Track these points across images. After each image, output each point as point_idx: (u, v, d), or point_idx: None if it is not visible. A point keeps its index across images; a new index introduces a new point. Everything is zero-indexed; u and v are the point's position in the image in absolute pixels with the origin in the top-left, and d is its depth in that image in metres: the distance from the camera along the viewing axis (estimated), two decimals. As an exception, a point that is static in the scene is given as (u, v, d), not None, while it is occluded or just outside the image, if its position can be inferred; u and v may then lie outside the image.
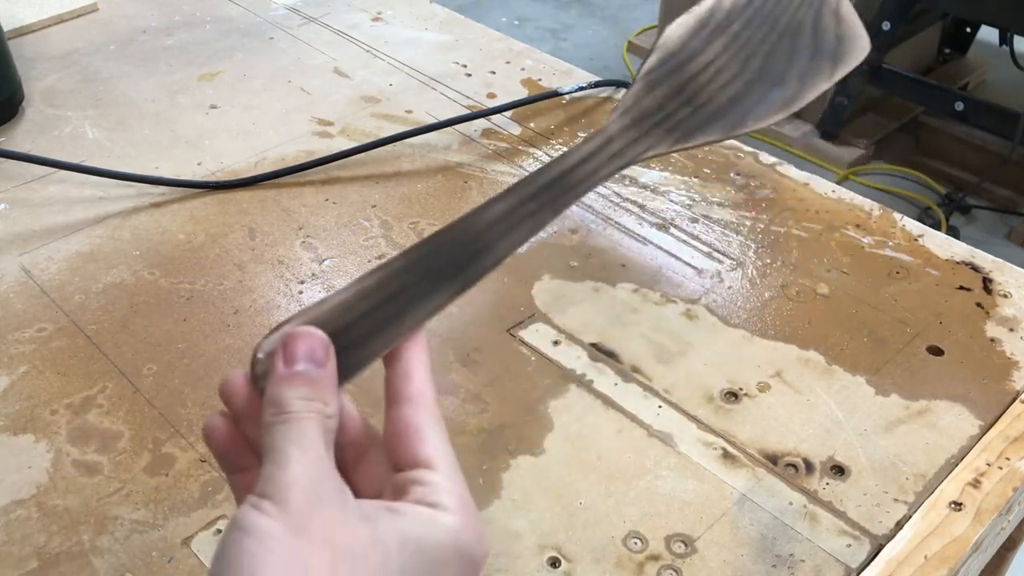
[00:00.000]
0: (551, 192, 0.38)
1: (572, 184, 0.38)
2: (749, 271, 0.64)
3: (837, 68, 0.43)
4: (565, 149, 0.75)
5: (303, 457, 0.29)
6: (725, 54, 0.42)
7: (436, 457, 0.31)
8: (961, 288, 0.63)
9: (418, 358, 0.33)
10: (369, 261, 0.64)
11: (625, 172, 0.73)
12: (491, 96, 0.82)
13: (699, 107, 0.40)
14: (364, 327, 0.33)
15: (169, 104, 0.81)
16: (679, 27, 0.42)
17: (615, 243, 0.66)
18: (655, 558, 0.47)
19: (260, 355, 0.32)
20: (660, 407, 0.54)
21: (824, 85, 0.42)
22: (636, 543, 0.47)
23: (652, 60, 0.41)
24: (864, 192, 1.60)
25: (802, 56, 0.42)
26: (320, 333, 0.31)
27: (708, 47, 0.42)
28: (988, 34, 2.34)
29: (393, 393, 0.32)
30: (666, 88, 0.41)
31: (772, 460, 0.51)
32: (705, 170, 0.74)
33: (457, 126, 0.77)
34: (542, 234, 0.67)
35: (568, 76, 0.85)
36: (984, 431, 0.53)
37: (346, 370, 0.32)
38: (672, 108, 0.40)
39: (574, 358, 0.57)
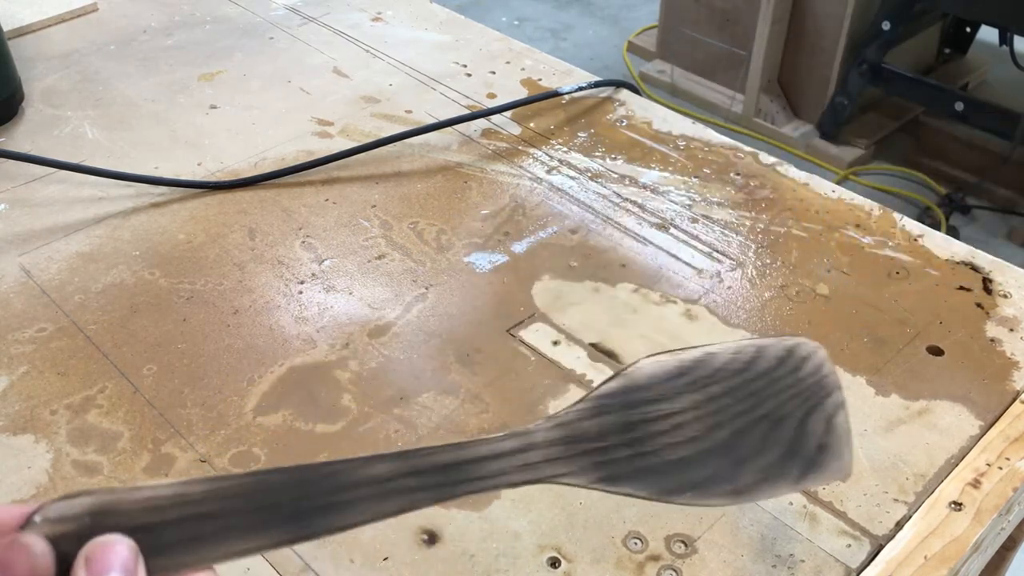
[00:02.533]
0: (443, 476, 0.33)
1: (469, 478, 0.34)
2: (749, 271, 0.64)
3: (805, 478, 0.39)
4: (564, 149, 0.75)
5: None
6: (692, 412, 0.37)
7: None
8: (961, 288, 0.63)
9: None
10: (369, 261, 0.64)
11: (625, 172, 0.73)
12: (491, 96, 0.82)
13: (640, 455, 0.36)
14: (163, 537, 0.29)
15: (169, 104, 0.81)
16: (655, 364, 0.38)
17: (615, 243, 0.66)
18: (655, 558, 0.47)
19: (37, 519, 0.28)
20: (660, 407, 0.54)
21: (784, 490, 0.39)
22: (636, 543, 0.47)
23: (612, 385, 0.37)
24: (864, 192, 1.61)
25: (774, 449, 0.38)
26: (129, 542, 0.28)
27: (678, 397, 0.37)
28: (988, 34, 2.34)
29: None
30: (614, 420, 0.36)
31: (772, 460, 0.51)
32: (705, 170, 0.74)
33: (457, 126, 0.77)
34: (541, 234, 0.67)
35: (568, 76, 0.85)
36: (984, 431, 0.53)
37: None
38: (611, 443, 0.36)
39: (574, 358, 0.57)
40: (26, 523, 0.28)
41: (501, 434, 0.35)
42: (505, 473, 0.34)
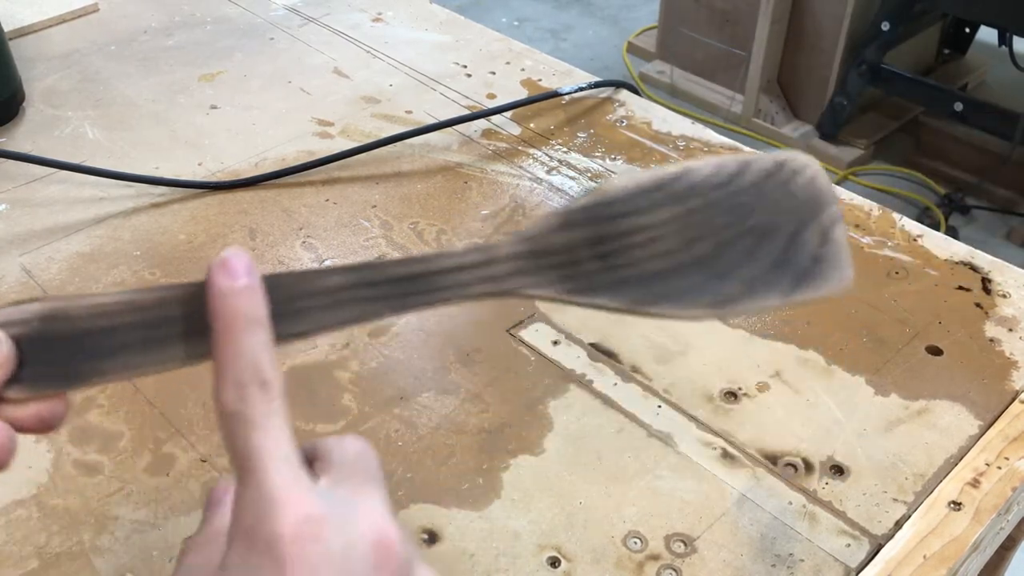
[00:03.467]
0: (400, 287, 0.33)
1: (428, 289, 0.33)
2: (749, 271, 0.64)
3: (798, 289, 0.37)
4: (564, 149, 0.75)
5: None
6: (671, 225, 0.35)
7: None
8: (960, 288, 0.63)
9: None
10: (369, 261, 0.64)
11: (625, 172, 0.73)
12: (491, 96, 0.82)
13: (612, 267, 0.35)
14: (112, 340, 0.30)
15: (169, 104, 0.81)
16: (630, 179, 0.36)
17: (615, 243, 0.66)
18: (655, 558, 0.47)
19: None
20: (660, 407, 0.54)
21: (772, 301, 0.36)
22: (636, 543, 0.47)
23: (583, 200, 0.35)
24: (863, 192, 1.61)
25: (761, 260, 0.36)
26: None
27: (655, 211, 0.35)
28: (987, 34, 2.34)
29: None
30: (584, 232, 0.35)
31: (772, 460, 0.52)
32: (705, 170, 0.74)
33: (457, 126, 0.77)
34: (542, 234, 0.67)
35: (568, 76, 0.85)
36: (983, 431, 0.53)
37: (68, 377, 0.30)
38: (581, 256, 0.35)
39: (574, 358, 0.57)
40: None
41: (463, 248, 0.34)
42: (465, 285, 0.33)
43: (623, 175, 0.35)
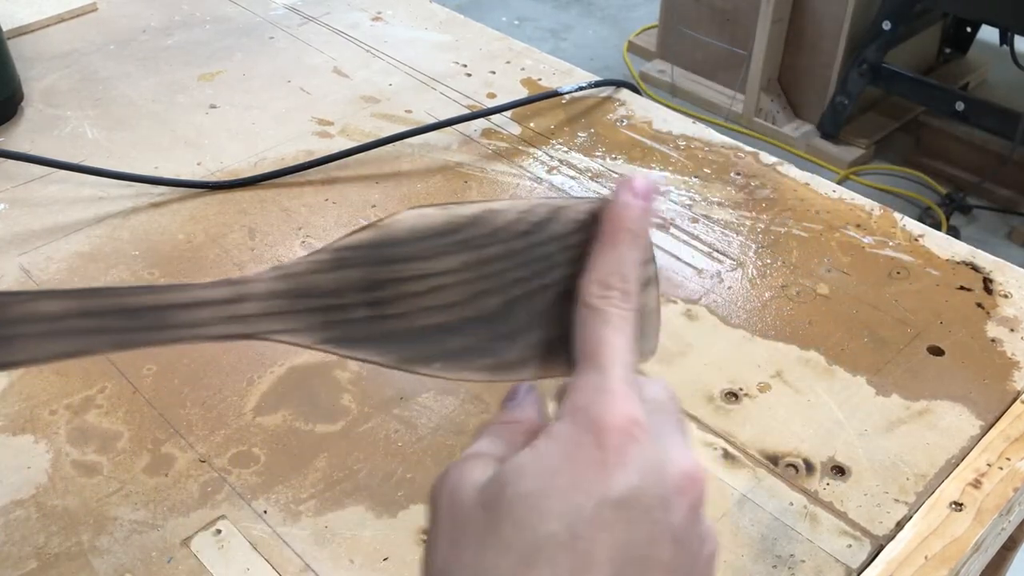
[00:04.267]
0: (127, 320, 0.29)
1: (159, 325, 0.29)
2: (749, 271, 0.64)
3: None
4: (564, 149, 0.75)
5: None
6: (458, 274, 0.32)
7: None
8: (962, 288, 0.63)
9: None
10: (369, 261, 0.64)
11: (625, 172, 0.73)
12: (491, 96, 0.82)
13: (383, 318, 0.31)
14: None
15: (169, 104, 0.81)
16: (419, 217, 0.31)
17: (615, 243, 0.66)
18: (655, 559, 0.47)
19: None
20: (660, 407, 0.54)
21: (557, 373, 0.33)
22: (636, 543, 0.47)
23: (362, 236, 0.31)
24: (864, 192, 1.60)
25: (553, 326, 0.33)
26: None
27: (442, 257, 0.31)
28: (988, 34, 2.34)
29: None
30: (356, 275, 0.31)
31: (772, 460, 0.51)
32: (705, 170, 0.74)
33: (457, 126, 0.77)
34: (542, 234, 0.67)
35: (568, 76, 0.85)
36: (985, 431, 0.53)
37: None
38: (349, 301, 0.31)
39: (574, 358, 0.57)
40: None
41: (212, 280, 0.30)
42: (207, 324, 0.30)
43: (412, 212, 0.32)
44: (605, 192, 0.71)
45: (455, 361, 0.32)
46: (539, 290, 0.33)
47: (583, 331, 0.31)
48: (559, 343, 0.33)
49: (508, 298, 0.32)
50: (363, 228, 0.31)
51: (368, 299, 0.31)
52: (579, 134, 0.77)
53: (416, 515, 0.48)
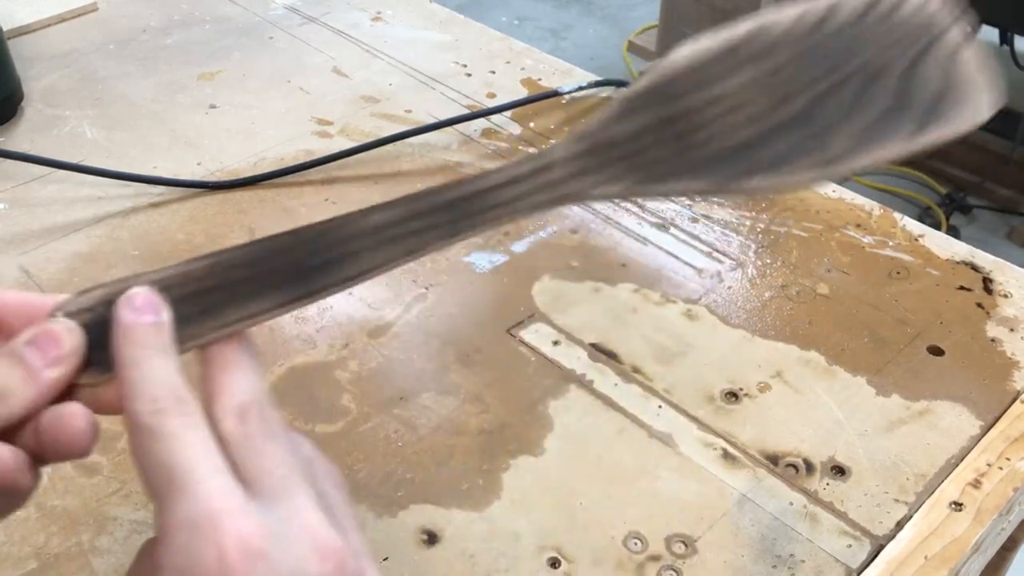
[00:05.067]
0: (452, 213, 0.31)
1: (482, 208, 0.31)
2: (749, 271, 0.64)
3: (924, 131, 0.31)
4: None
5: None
6: (753, 88, 0.31)
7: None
8: (962, 288, 0.63)
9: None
10: (369, 261, 0.64)
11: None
12: (491, 96, 0.82)
13: (689, 147, 0.31)
14: (176, 312, 0.30)
15: (168, 104, 0.81)
16: (696, 49, 0.31)
17: (615, 243, 0.66)
18: (655, 559, 0.47)
19: (58, 313, 0.30)
20: (660, 407, 0.54)
21: (894, 151, 0.31)
22: (636, 544, 0.47)
23: (642, 82, 0.31)
24: (864, 192, 1.60)
25: (873, 106, 0.31)
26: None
27: (730, 77, 0.31)
28: (989, 34, 2.34)
29: (205, 403, 0.29)
30: (649, 116, 0.31)
31: (772, 460, 0.51)
32: (705, 170, 0.74)
33: (457, 126, 0.77)
34: (542, 234, 0.67)
35: (568, 76, 0.85)
36: (985, 431, 0.53)
37: None
38: (648, 142, 0.31)
39: (574, 358, 0.57)
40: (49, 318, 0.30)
41: (514, 160, 0.31)
42: (522, 197, 0.30)
43: (683, 49, 0.31)
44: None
45: (776, 168, 0.31)
46: (842, 81, 0.31)
47: (146, 460, 0.27)
48: (879, 124, 0.31)
49: (814, 94, 0.31)
50: (642, 74, 0.32)
51: (668, 135, 0.31)
52: (579, 134, 0.77)
53: (416, 515, 0.48)
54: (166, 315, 0.30)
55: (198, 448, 0.27)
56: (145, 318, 0.30)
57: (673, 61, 0.31)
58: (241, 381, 0.30)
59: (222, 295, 0.30)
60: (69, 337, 0.30)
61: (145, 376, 0.29)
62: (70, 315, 0.30)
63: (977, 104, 0.32)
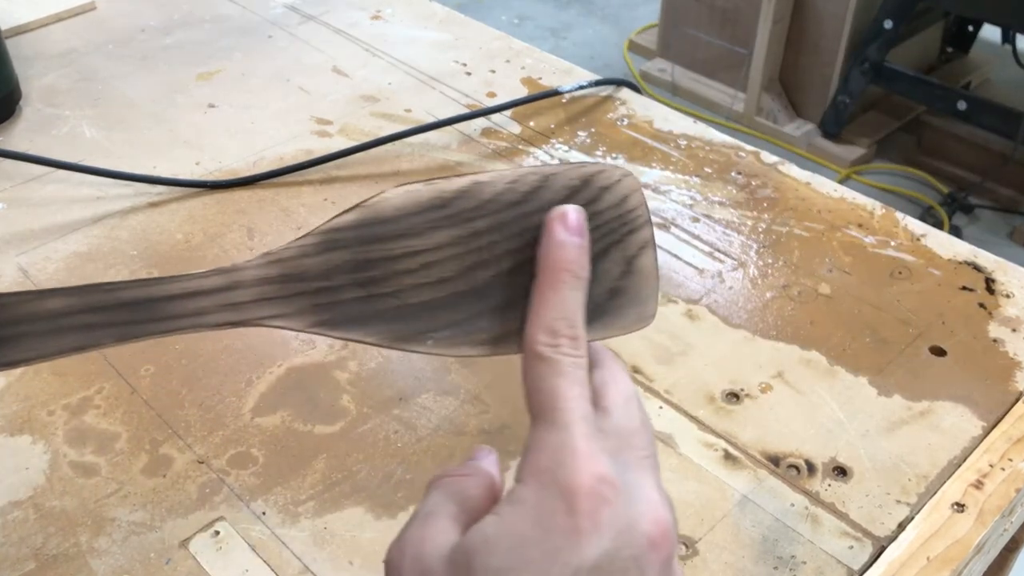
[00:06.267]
0: (129, 313, 0.30)
1: (162, 316, 0.30)
2: (750, 271, 0.64)
3: (591, 327, 0.33)
4: (565, 148, 0.75)
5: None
6: (449, 249, 0.31)
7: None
8: (964, 288, 0.62)
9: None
10: (368, 261, 0.64)
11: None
12: (491, 95, 0.82)
13: (373, 296, 0.31)
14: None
15: (167, 103, 0.80)
16: (406, 194, 0.31)
17: (615, 243, 0.66)
18: (656, 560, 0.46)
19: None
20: (661, 408, 0.54)
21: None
22: (636, 545, 0.47)
23: (348, 217, 0.31)
24: (866, 191, 1.60)
25: None
26: None
27: (431, 233, 0.31)
28: (990, 33, 2.34)
29: None
30: (345, 256, 0.31)
31: (774, 461, 0.51)
32: (706, 169, 0.73)
33: (457, 125, 0.77)
34: (542, 234, 0.66)
35: (568, 75, 0.85)
36: (987, 432, 0.53)
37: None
38: (339, 283, 0.31)
39: (574, 358, 0.57)
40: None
41: (204, 270, 0.31)
42: (204, 313, 0.30)
43: (398, 190, 0.32)
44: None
45: (449, 336, 0.32)
46: (531, 260, 0.32)
47: (535, 383, 0.30)
48: None
49: (500, 270, 0.32)
50: (350, 209, 0.31)
51: (358, 279, 0.31)
52: (579, 133, 0.77)
53: (415, 516, 0.48)
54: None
55: (578, 389, 0.30)
56: (575, 239, 0.31)
57: (384, 201, 0.31)
58: None
59: None
60: None
61: (556, 303, 0.31)
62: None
63: (640, 314, 0.34)
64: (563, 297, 0.31)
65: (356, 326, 0.31)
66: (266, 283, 0.31)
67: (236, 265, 0.31)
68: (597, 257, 0.33)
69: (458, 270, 0.32)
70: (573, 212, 0.31)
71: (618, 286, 0.34)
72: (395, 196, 0.31)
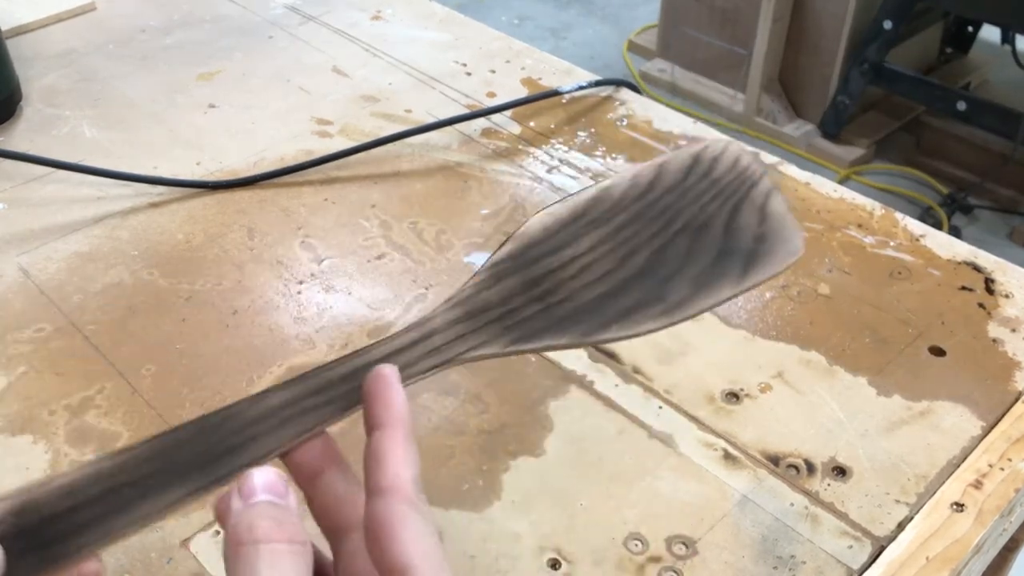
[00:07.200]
0: (345, 387, 0.32)
1: None
2: (750, 271, 0.64)
3: (749, 273, 0.36)
4: (565, 148, 0.75)
5: None
6: (601, 248, 0.35)
7: (412, 559, 0.28)
8: (963, 288, 0.62)
9: (392, 438, 0.30)
10: (368, 261, 0.64)
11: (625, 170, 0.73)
12: (491, 95, 0.82)
13: (552, 306, 0.34)
14: (84, 515, 0.29)
15: (168, 104, 0.80)
16: (546, 216, 0.35)
17: (615, 243, 0.66)
18: (656, 560, 0.46)
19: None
20: (661, 408, 0.54)
21: (726, 293, 0.36)
22: (637, 545, 0.47)
23: (505, 250, 0.35)
24: (866, 192, 1.60)
25: (702, 256, 0.36)
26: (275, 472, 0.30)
27: (579, 240, 0.35)
28: (990, 33, 2.34)
29: (367, 483, 0.29)
30: (515, 280, 0.34)
31: (773, 461, 0.51)
32: (706, 169, 0.73)
33: (457, 125, 0.77)
34: (542, 234, 0.66)
35: (568, 75, 0.85)
36: (986, 432, 0.53)
37: (53, 560, 0.28)
38: (518, 304, 0.34)
39: (574, 358, 0.57)
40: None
41: (399, 330, 0.33)
42: (410, 365, 0.33)
43: (539, 215, 0.36)
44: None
45: (628, 319, 0.34)
46: (675, 234, 0.36)
47: (414, 533, 0.28)
48: (711, 269, 0.36)
49: (651, 250, 0.35)
50: (504, 243, 0.35)
51: (533, 296, 0.34)
52: (579, 133, 0.77)
53: (415, 516, 0.48)
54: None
55: (428, 544, 0.28)
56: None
57: (530, 227, 0.35)
58: None
59: (129, 493, 0.30)
60: None
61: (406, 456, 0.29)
62: None
63: (789, 248, 0.37)
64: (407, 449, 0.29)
65: (546, 335, 0.34)
66: (457, 323, 0.34)
67: (425, 317, 0.34)
68: (733, 215, 0.36)
69: (616, 262, 0.35)
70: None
71: (761, 232, 0.37)
72: (538, 220, 0.35)
